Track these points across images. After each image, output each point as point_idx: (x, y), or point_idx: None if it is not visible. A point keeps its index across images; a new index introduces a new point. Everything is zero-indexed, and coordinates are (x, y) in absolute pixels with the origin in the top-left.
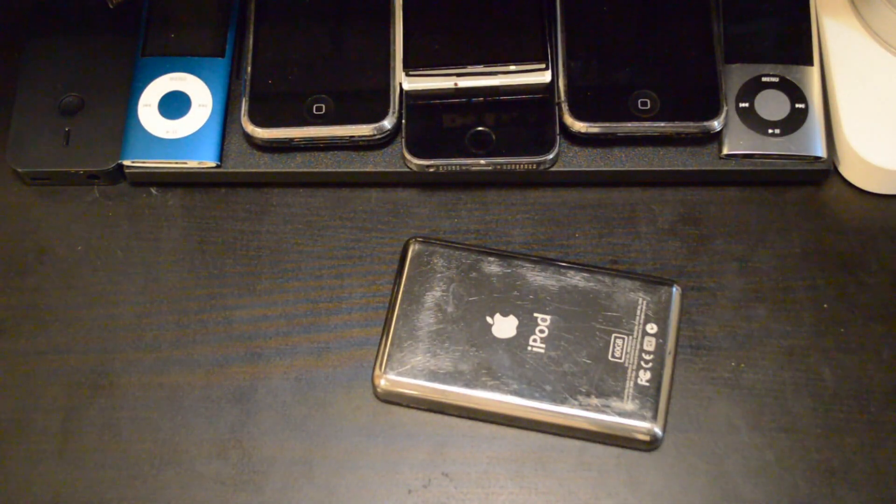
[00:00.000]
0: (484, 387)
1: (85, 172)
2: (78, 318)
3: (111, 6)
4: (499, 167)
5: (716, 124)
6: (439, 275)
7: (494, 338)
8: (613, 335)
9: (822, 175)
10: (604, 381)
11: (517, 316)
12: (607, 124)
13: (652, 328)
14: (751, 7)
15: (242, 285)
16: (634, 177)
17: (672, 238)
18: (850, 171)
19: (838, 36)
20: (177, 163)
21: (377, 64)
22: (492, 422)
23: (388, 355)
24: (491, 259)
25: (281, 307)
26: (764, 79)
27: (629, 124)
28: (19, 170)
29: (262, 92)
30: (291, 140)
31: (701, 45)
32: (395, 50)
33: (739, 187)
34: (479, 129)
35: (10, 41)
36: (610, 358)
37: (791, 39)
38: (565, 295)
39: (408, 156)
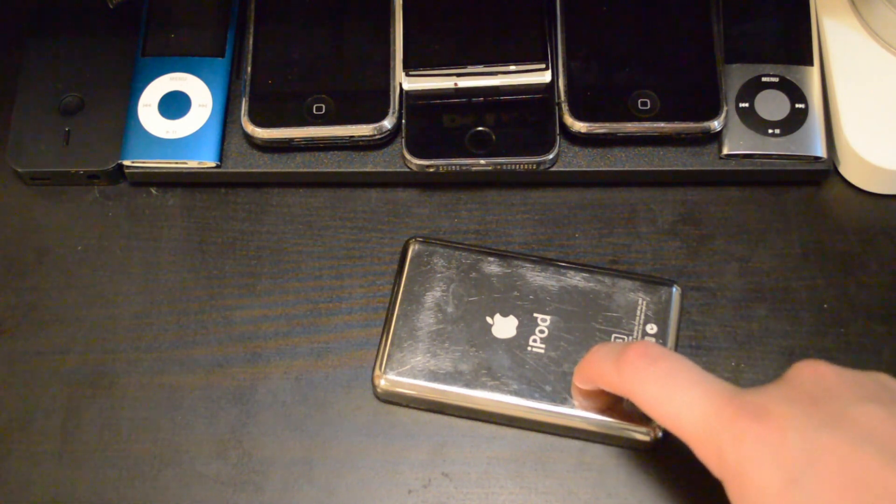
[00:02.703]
0: (484, 387)
1: (85, 172)
2: (78, 318)
3: (111, 6)
4: (499, 167)
5: (716, 124)
6: (439, 275)
7: (494, 338)
8: (613, 335)
9: (822, 175)
10: None
11: (517, 316)
12: (607, 124)
13: (652, 328)
14: (751, 7)
15: (242, 285)
16: (634, 177)
17: (672, 238)
18: (850, 171)
19: (838, 36)
20: (177, 163)
21: (377, 64)
22: (492, 422)
23: (388, 355)
24: (491, 259)
25: (281, 307)
26: (764, 79)
27: (629, 124)
28: (19, 170)
29: (262, 92)
30: (291, 140)
31: (701, 45)
32: (395, 50)
33: (739, 187)
34: (479, 129)
35: (11, 41)
36: None
37: (791, 39)
38: (565, 295)
39: (408, 156)
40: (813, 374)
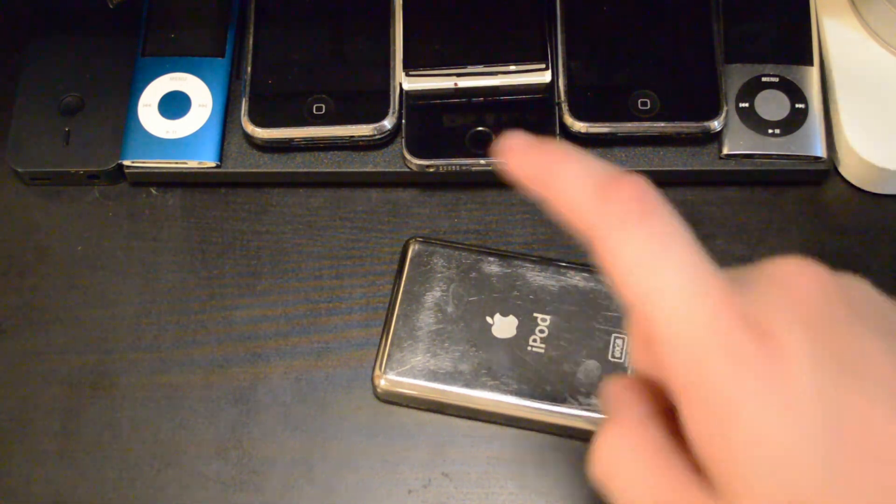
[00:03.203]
0: (484, 387)
1: (85, 172)
2: (78, 318)
3: (111, 6)
4: (499, 167)
5: (716, 124)
6: (439, 275)
7: (494, 338)
8: (613, 335)
9: (822, 175)
10: (604, 380)
11: (517, 316)
12: (607, 124)
13: None
14: (751, 7)
15: (242, 285)
16: None
17: None
18: (850, 171)
19: (838, 36)
20: (177, 163)
21: (377, 64)
22: (492, 422)
23: (388, 355)
24: (491, 259)
25: (281, 307)
26: (764, 79)
27: (629, 124)
28: (19, 170)
29: (262, 92)
30: (291, 140)
31: (701, 45)
32: (395, 50)
33: (739, 187)
34: (479, 129)
35: (11, 41)
36: (610, 358)
37: (791, 39)
38: (565, 295)
39: (408, 156)
40: (809, 282)
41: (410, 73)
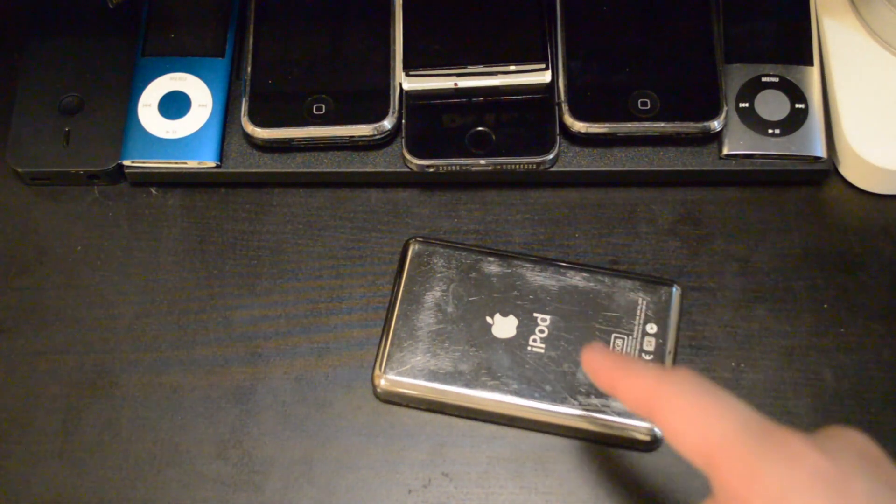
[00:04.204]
0: (484, 387)
1: (85, 172)
2: (78, 318)
3: (111, 6)
4: (499, 167)
5: (716, 124)
6: (439, 275)
7: (494, 338)
8: (613, 335)
9: (822, 175)
10: None
11: (517, 316)
12: (607, 124)
13: (652, 328)
14: (751, 7)
15: (242, 285)
16: (634, 177)
17: (672, 238)
18: (850, 171)
19: (838, 36)
20: (177, 163)
21: (377, 64)
22: (492, 422)
23: (388, 355)
24: (491, 259)
25: (281, 307)
26: (764, 79)
27: (629, 124)
28: (19, 170)
29: (262, 92)
30: (291, 140)
31: (701, 45)
32: (395, 50)
33: (739, 187)
34: (479, 129)
35: (10, 41)
36: None
37: (791, 39)
38: (565, 295)
39: (408, 156)
40: (868, 439)
41: (410, 73)
